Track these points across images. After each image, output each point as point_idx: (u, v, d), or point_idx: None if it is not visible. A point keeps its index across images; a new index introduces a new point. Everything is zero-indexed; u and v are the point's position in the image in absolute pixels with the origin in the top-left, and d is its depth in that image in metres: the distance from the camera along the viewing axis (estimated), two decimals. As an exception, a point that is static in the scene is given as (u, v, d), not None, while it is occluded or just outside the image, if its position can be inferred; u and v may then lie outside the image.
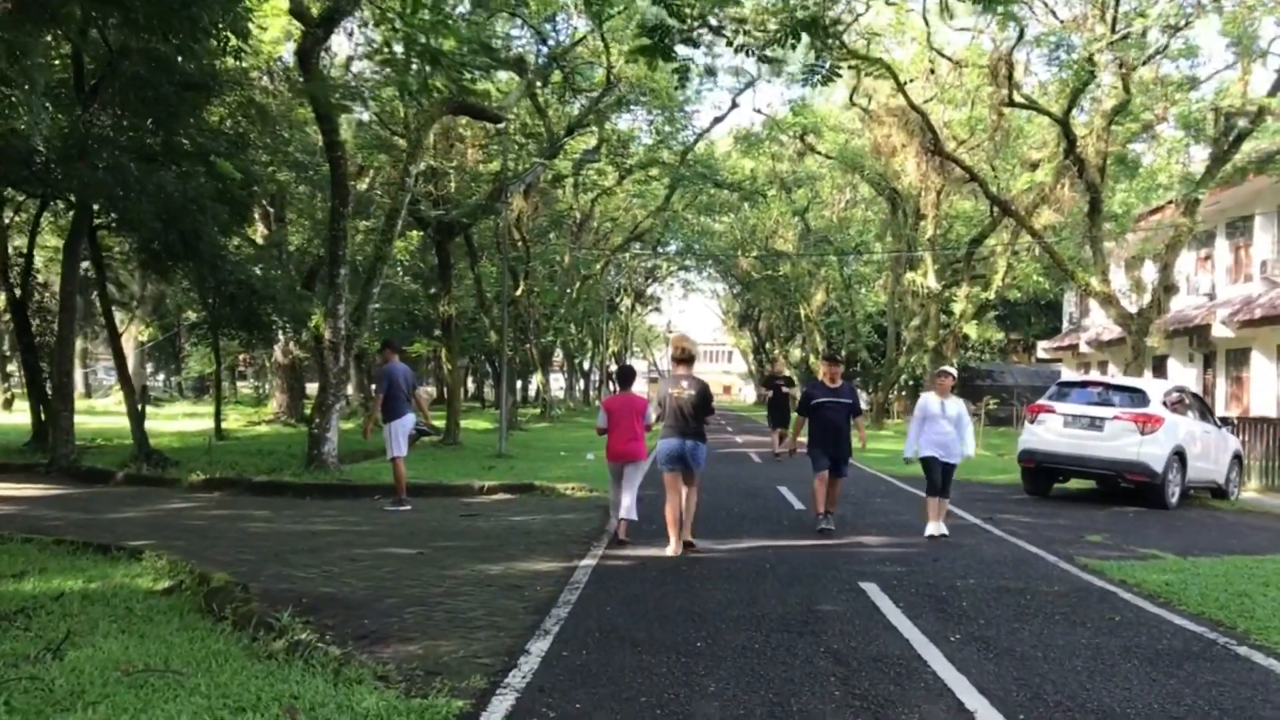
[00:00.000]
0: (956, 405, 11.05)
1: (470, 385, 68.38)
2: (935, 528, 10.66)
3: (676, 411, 9.51)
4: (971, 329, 31.70)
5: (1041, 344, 51.05)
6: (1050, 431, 14.57)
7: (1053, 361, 52.61)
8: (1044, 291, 44.29)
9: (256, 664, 5.28)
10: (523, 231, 30.66)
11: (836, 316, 52.58)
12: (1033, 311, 55.05)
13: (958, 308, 31.25)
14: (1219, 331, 29.94)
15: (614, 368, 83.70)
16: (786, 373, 21.60)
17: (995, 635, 6.36)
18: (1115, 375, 21.33)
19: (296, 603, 6.94)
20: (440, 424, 22.47)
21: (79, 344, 51.60)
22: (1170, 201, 32.19)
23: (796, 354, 71.29)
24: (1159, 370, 35.74)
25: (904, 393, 49.64)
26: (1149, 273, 37.30)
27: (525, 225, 30.44)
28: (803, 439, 11.99)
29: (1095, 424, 14.19)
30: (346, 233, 14.65)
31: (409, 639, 6.08)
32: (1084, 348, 42.19)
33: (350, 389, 48.82)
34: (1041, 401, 15.21)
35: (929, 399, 11.10)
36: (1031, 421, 15.00)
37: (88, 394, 51.16)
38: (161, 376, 64.95)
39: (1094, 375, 17.27)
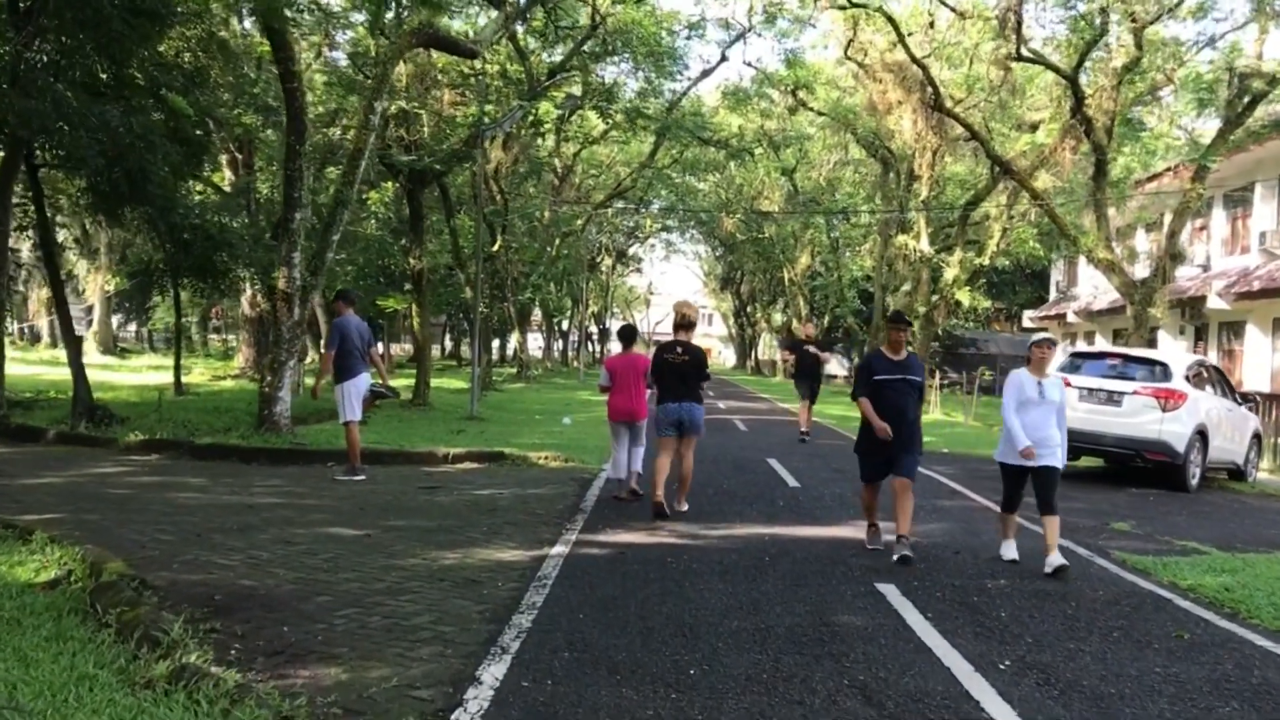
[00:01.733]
0: (1057, 387, 8.11)
1: (448, 343, 67.03)
2: (1010, 549, 8.17)
3: (674, 375, 9.52)
4: (964, 295, 30.60)
5: (1027, 313, 50.18)
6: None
7: (1038, 330, 51.73)
8: (1036, 258, 43.16)
9: (128, 697, 4.11)
10: (501, 184, 29.29)
11: (822, 280, 51.44)
12: (1018, 280, 54.05)
13: (950, 273, 30.10)
14: (1214, 303, 28.99)
15: (594, 329, 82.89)
16: (814, 333, 18.90)
17: (1052, 661, 5.24)
18: (1129, 347, 20.30)
19: (206, 601, 5.77)
20: (397, 384, 21.24)
21: (44, 293, 50.13)
22: (1169, 168, 31.19)
23: (778, 318, 70.27)
24: (1148, 343, 34.88)
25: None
26: (1141, 242, 36.52)
27: (504, 177, 29.06)
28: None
29: (1113, 399, 13.12)
30: (303, 173, 13.33)
31: (333, 657, 4.91)
32: (1071, 317, 41.27)
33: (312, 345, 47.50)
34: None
35: (1023, 378, 8.07)
36: (1043, 395, 13.89)
37: (54, 344, 49.69)
38: (133, 327, 63.26)
39: (1104, 345, 16.27)
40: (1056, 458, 7.97)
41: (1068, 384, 13.35)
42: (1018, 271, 51.31)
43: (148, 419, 15.26)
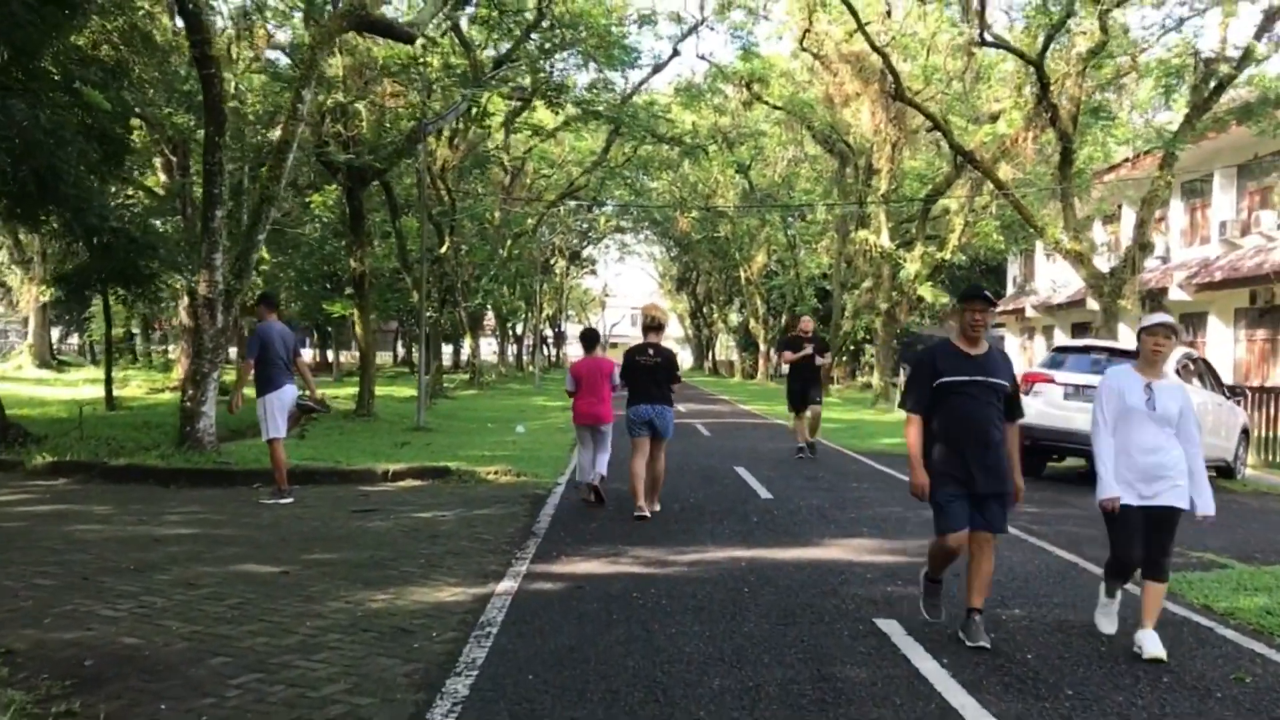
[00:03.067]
0: (1176, 394, 5.61)
1: (399, 350, 65.47)
2: (1109, 618, 5.87)
3: (646, 377, 9.61)
4: (926, 291, 29.91)
5: (985, 308, 49.78)
6: (1049, 404, 12.68)
7: (996, 326, 51.48)
8: (994, 253, 42.75)
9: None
10: (447, 183, 28.14)
11: (779, 279, 50.71)
12: (972, 275, 53.65)
13: (911, 268, 29.41)
14: (1175, 295, 28.61)
15: (549, 332, 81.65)
16: (812, 329, 15.48)
17: (1105, 723, 4.32)
18: (1102, 339, 19.63)
19: (73, 670, 4.72)
20: (342, 394, 20.08)
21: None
22: (1128, 159, 30.75)
23: (734, 319, 69.57)
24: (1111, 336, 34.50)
25: (844, 358, 47.87)
26: (1098, 234, 36.13)
27: (450, 175, 27.93)
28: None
29: (1100, 395, 12.33)
30: (223, 167, 12.19)
31: (214, 750, 3.88)
32: (1030, 311, 40.88)
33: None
34: (1037, 369, 13.32)
35: (1123, 381, 5.67)
36: (1027, 393, 13.08)
37: (-7, 359, 47.84)
38: (75, 339, 61.09)
39: (1090, 341, 15.59)
40: (1179, 493, 5.48)
41: (1051, 381, 12.63)
42: (974, 266, 50.89)
43: (67, 438, 14.05)
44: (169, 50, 20.96)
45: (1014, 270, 48.08)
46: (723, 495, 10.83)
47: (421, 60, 18.79)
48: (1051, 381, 12.77)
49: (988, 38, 21.72)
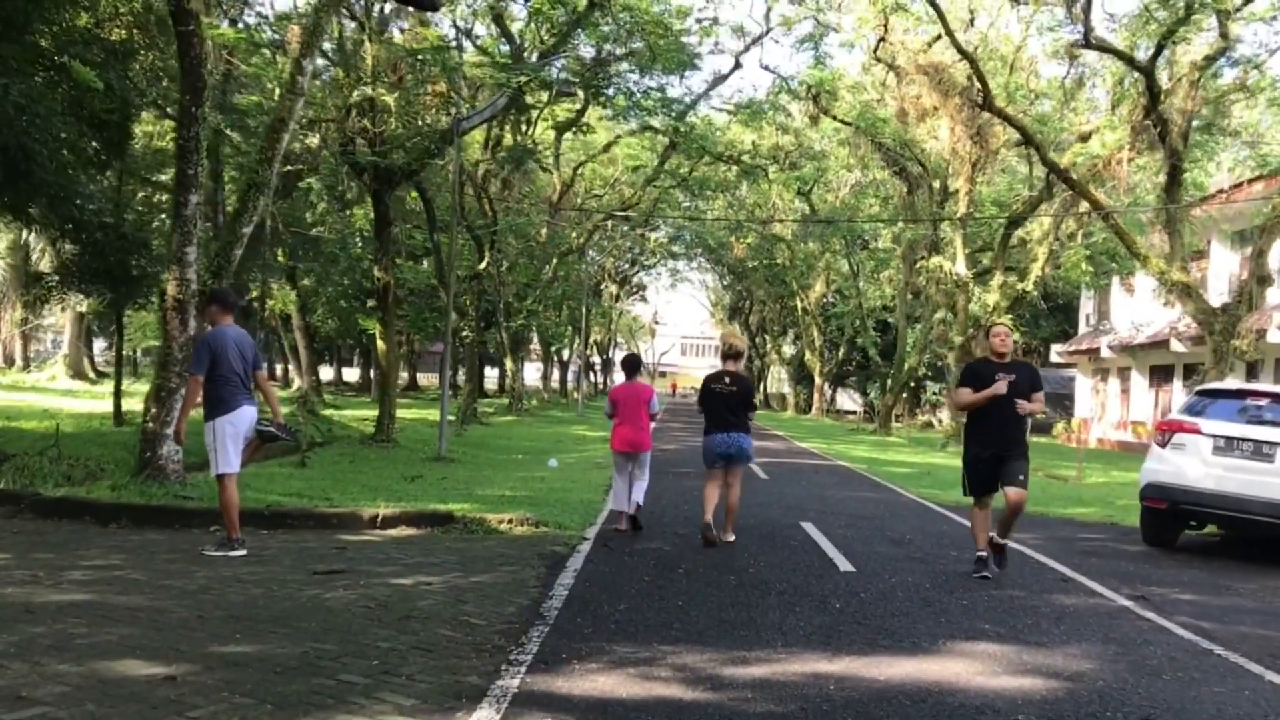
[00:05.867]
0: None
1: (449, 371, 63.65)
2: None
3: (723, 406, 9.47)
4: (1006, 324, 27.46)
5: (1056, 347, 47.08)
6: (1193, 460, 10.27)
7: (1065, 366, 48.52)
8: (1068, 286, 39.98)
9: None
10: (489, 193, 26.26)
11: (840, 307, 48.25)
12: (1040, 314, 50.75)
13: (990, 298, 26.95)
14: (1275, 337, 25.93)
15: (597, 359, 79.66)
16: (1007, 350, 8.55)
17: None
18: (1211, 383, 17.09)
19: None
20: (360, 415, 18.07)
21: (16, 313, 47.18)
22: (1222, 190, 28.13)
23: (788, 350, 67.08)
24: (1189, 376, 31.75)
25: (905, 395, 45.20)
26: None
27: (491, 183, 26.02)
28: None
29: (1263, 452, 9.90)
30: (199, 142, 10.23)
31: None
32: (1105, 352, 38.06)
33: (292, 370, 44.43)
34: (1178, 417, 10.88)
35: None
36: (1163, 444, 10.69)
37: (25, 367, 46.90)
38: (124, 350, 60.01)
39: (1241, 384, 13.20)
40: None
41: (1196, 431, 10.25)
42: (1041, 303, 48.06)
43: (41, 457, 12.16)
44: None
45: (1088, 307, 45.25)
46: (791, 565, 8.55)
47: (452, 45, 16.87)
48: (1197, 432, 10.36)
49: (1092, 40, 19.36)
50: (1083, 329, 45.24)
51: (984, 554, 8.33)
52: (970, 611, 7.06)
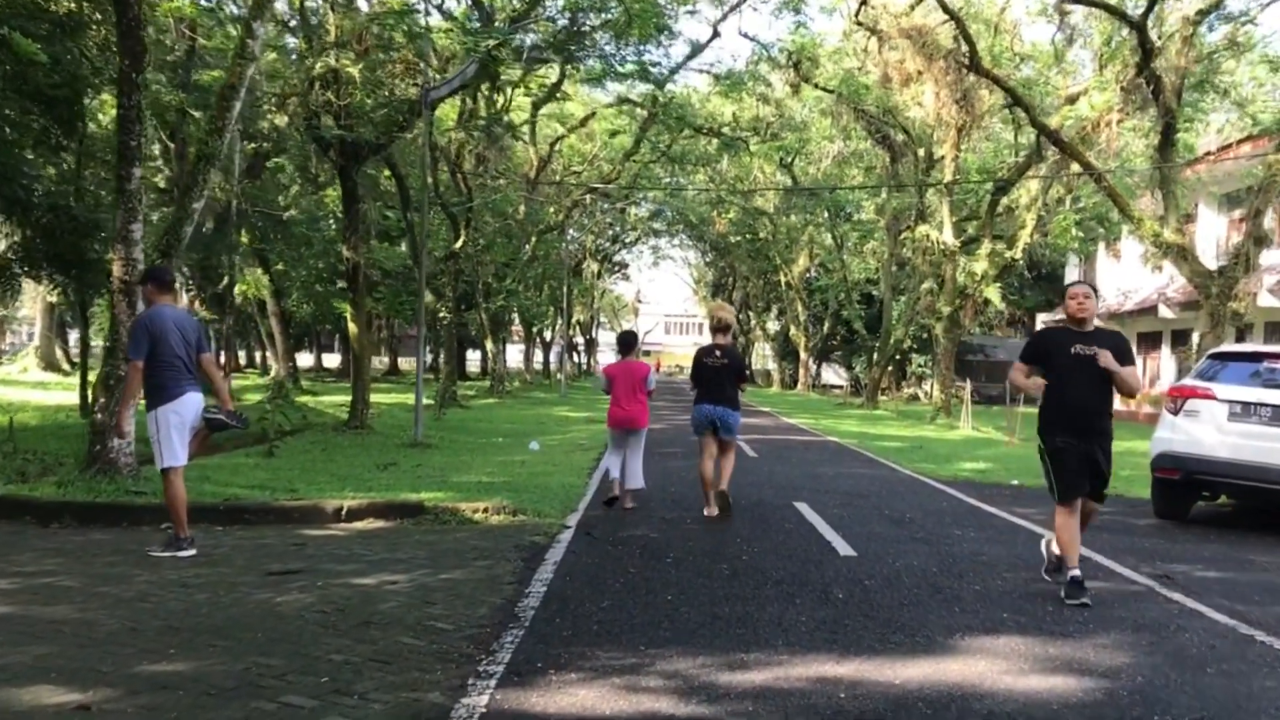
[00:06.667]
0: None
1: (429, 356, 62.70)
2: None
3: (713, 378, 9.62)
4: (993, 293, 26.93)
5: (1041, 316, 46.67)
6: (1208, 427, 9.71)
7: (1052, 335, 48.07)
8: (1054, 253, 39.38)
9: None
10: (463, 169, 25.50)
11: (824, 280, 47.63)
12: (1026, 283, 50.23)
13: (978, 267, 26.39)
14: (1265, 300, 25.47)
15: (580, 339, 78.86)
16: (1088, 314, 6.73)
17: None
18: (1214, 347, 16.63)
19: None
20: (335, 402, 17.36)
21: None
22: (1209, 153, 27.61)
23: (773, 326, 66.47)
24: (1178, 343, 31.31)
25: (890, 368, 44.62)
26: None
27: (466, 158, 25.26)
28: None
29: (1282, 418, 9.36)
30: (142, 112, 9.52)
31: None
32: (1094, 320, 37.65)
33: (273, 358, 43.64)
34: (1190, 382, 10.31)
35: None
36: (1175, 411, 10.13)
37: (-6, 361, 46.17)
38: (98, 342, 58.99)
39: (1257, 346, 12.61)
40: None
41: (1210, 396, 9.70)
42: (1026, 273, 47.53)
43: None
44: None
45: (1073, 276, 44.77)
46: (788, 550, 7.95)
47: (418, 9, 16.11)
48: (1211, 397, 9.80)
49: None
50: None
51: (1078, 573, 6.44)
52: (985, 598, 6.48)
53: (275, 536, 8.02)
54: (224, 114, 10.21)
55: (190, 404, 7.22)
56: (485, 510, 9.01)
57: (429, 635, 5.32)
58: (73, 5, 15.98)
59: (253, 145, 25.52)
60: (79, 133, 15.86)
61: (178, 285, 25.98)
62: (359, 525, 8.59)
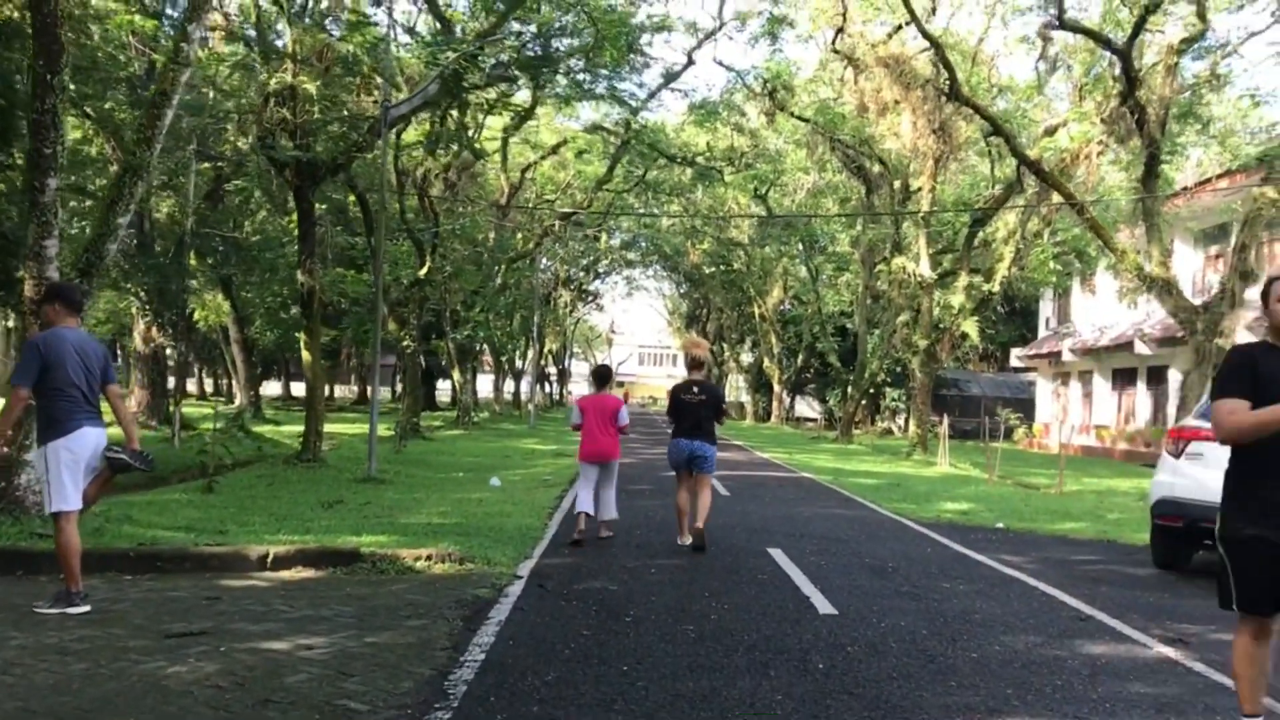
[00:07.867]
0: None
1: (398, 386, 61.51)
2: None
3: (690, 414, 9.68)
4: (970, 327, 26.40)
5: (1016, 351, 46.38)
6: (1214, 471, 8.94)
7: (1025, 370, 47.73)
8: (1030, 286, 39.03)
9: None
10: (429, 194, 24.75)
11: (798, 312, 47.12)
12: (999, 318, 49.92)
13: (955, 299, 25.85)
14: (1244, 337, 25.03)
15: (552, 369, 77.97)
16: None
17: None
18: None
19: None
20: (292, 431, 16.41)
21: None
22: (1186, 188, 27.26)
23: (746, 358, 65.93)
24: (1154, 380, 30.87)
25: (864, 402, 44.05)
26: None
27: (434, 183, 24.52)
28: None
29: (1293, 461, 8.68)
30: (58, 117, 8.71)
31: None
32: (1067, 355, 37.23)
33: (237, 386, 42.52)
34: (1193, 423, 9.63)
35: None
36: (1177, 454, 9.44)
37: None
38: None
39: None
40: None
41: (1212, 438, 8.97)
42: (1000, 308, 47.22)
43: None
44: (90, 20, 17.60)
45: (1047, 311, 44.47)
46: (761, 607, 7.16)
47: (374, 21, 15.39)
48: (1213, 439, 9.11)
49: (1065, 21, 18.28)
50: (1043, 333, 44.49)
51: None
52: (984, 669, 5.71)
53: (188, 588, 7.15)
54: (154, 123, 9.41)
55: (86, 440, 6.37)
56: (428, 558, 8.16)
57: (339, 719, 4.49)
58: (10, 13, 15.21)
59: (209, 165, 24.71)
60: (9, 141, 14.98)
61: (135, 312, 24.86)
62: (285, 575, 7.73)
